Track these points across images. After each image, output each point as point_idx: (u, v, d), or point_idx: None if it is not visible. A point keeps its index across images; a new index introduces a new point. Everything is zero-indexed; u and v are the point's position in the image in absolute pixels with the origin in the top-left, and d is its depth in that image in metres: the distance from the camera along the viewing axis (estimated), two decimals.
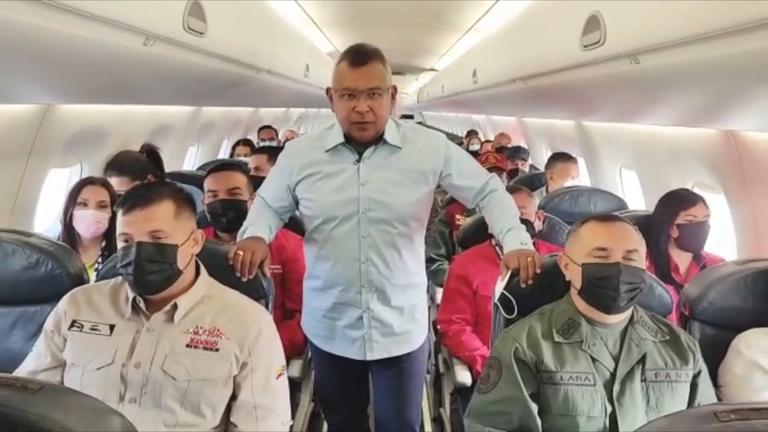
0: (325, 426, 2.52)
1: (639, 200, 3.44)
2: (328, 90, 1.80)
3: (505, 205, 1.89)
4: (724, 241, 2.65)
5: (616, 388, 1.45)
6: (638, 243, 1.51)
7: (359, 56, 1.72)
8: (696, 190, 2.67)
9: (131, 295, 1.47)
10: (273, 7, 3.59)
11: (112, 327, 1.45)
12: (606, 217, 1.58)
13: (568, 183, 3.49)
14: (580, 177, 4.42)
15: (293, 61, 4.12)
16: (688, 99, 1.81)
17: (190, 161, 4.85)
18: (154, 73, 2.10)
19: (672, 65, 1.49)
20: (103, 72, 1.79)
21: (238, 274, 1.67)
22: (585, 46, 1.89)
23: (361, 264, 1.81)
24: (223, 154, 5.46)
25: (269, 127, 5.63)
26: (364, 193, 1.78)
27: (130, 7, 1.46)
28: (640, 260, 1.51)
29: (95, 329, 1.45)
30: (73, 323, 1.46)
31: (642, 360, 1.47)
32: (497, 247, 2.39)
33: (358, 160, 1.80)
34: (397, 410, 2.00)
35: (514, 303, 1.68)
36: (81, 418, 0.89)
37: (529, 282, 1.67)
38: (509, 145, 5.38)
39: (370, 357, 1.89)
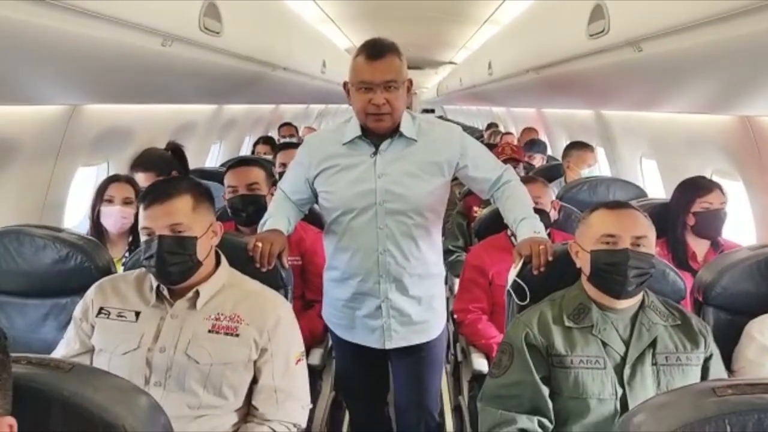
0: (347, 415, 2.58)
1: (659, 189, 3.42)
2: (345, 84, 1.84)
3: (519, 195, 1.92)
4: (743, 228, 2.63)
5: (626, 371, 1.47)
6: (647, 229, 1.53)
7: (376, 50, 1.75)
8: (715, 178, 2.65)
9: (155, 284, 1.53)
10: (288, 4, 3.64)
11: (137, 314, 1.52)
12: (615, 205, 1.59)
13: (585, 171, 3.49)
14: (601, 167, 4.42)
15: (309, 57, 4.18)
16: (696, 85, 1.81)
17: (213, 158, 4.95)
18: (173, 73, 2.17)
19: (676, 52, 1.49)
20: (125, 72, 1.86)
21: (258, 265, 1.72)
22: (591, 35, 1.90)
23: (379, 255, 1.85)
24: (245, 150, 5.56)
25: (289, 124, 5.71)
26: (381, 185, 1.81)
27: (147, 10, 1.53)
28: (650, 246, 1.52)
29: (122, 316, 1.52)
30: (100, 310, 1.53)
31: (653, 344, 1.49)
32: (512, 237, 2.41)
33: (375, 153, 1.83)
34: (416, 398, 2.04)
35: (527, 290, 1.71)
36: (109, 395, 0.96)
37: (542, 269, 1.69)
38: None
39: (389, 346, 1.92)
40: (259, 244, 1.73)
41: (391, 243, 1.84)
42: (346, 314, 1.96)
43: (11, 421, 0.82)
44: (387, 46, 1.77)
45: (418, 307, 1.92)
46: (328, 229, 1.95)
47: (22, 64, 1.42)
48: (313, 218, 2.30)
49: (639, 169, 3.87)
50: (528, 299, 1.71)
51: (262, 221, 1.91)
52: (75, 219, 2.93)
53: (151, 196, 1.51)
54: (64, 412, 0.92)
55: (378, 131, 1.82)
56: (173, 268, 1.48)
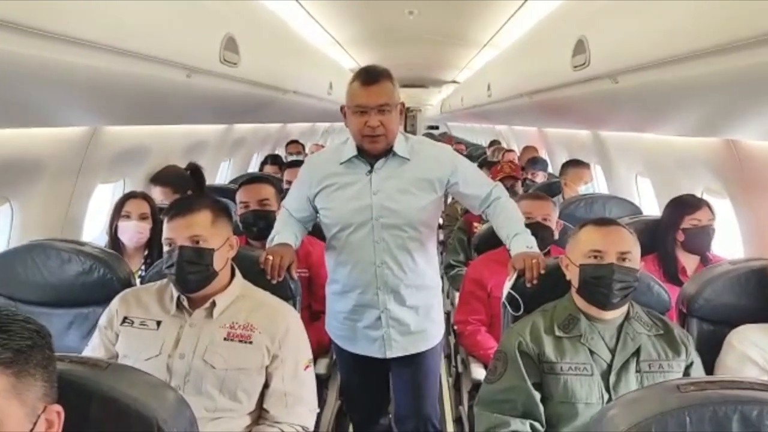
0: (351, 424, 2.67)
1: (654, 206, 3.51)
2: (342, 108, 1.97)
3: (510, 211, 2.03)
4: (733, 244, 2.72)
5: (612, 378, 1.57)
6: (632, 245, 1.64)
7: (370, 76, 1.87)
8: (705, 196, 2.75)
9: (176, 294, 1.65)
10: (298, 31, 3.81)
11: (159, 322, 1.63)
12: (602, 222, 1.71)
13: (582, 188, 3.60)
14: (599, 185, 4.54)
15: (317, 80, 4.36)
16: (673, 113, 1.94)
17: (223, 175, 5.10)
18: (193, 100, 2.33)
19: (650, 84, 1.62)
20: (152, 100, 2.01)
21: (269, 277, 1.83)
22: (575, 67, 2.05)
23: (376, 267, 1.95)
24: (254, 167, 5.69)
25: (296, 141, 5.87)
26: (377, 201, 1.93)
27: (174, 46, 1.68)
28: (634, 261, 1.63)
29: (144, 325, 1.63)
30: (124, 319, 1.65)
31: (637, 352, 1.59)
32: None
33: (370, 171, 1.94)
34: (415, 405, 2.12)
35: (521, 301, 1.82)
36: (142, 390, 1.08)
37: (534, 282, 1.80)
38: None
39: (389, 355, 2.02)
40: (270, 258, 1.84)
41: (388, 256, 1.95)
42: (348, 326, 2.06)
43: (58, 408, 0.94)
44: (380, 72, 1.89)
45: (417, 317, 2.02)
46: (328, 245, 2.06)
47: (64, 94, 1.57)
48: (320, 232, 2.42)
49: (635, 187, 3.98)
50: (522, 310, 1.82)
51: (270, 237, 2.02)
52: (92, 234, 3.05)
53: (174, 210, 1.64)
54: (103, 404, 1.04)
55: (373, 152, 1.93)
56: (191, 276, 1.59)
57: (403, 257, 1.97)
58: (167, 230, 1.63)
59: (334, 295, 2.09)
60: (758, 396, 0.98)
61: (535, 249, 1.92)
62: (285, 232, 2.00)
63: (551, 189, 3.90)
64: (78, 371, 1.07)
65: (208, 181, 4.16)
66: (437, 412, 2.22)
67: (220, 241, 1.64)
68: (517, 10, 3.73)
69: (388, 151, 1.94)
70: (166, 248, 1.63)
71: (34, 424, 0.89)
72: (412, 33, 4.91)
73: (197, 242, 1.61)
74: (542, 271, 1.81)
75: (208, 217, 1.63)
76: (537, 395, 1.58)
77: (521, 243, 1.92)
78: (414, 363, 2.07)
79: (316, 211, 2.05)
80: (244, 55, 2.23)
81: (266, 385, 1.64)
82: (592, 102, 2.36)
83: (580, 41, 1.98)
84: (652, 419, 0.97)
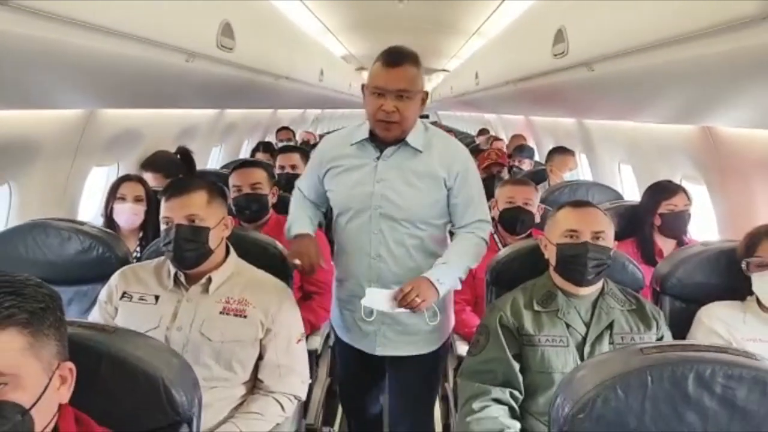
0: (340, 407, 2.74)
1: (636, 192, 3.62)
2: (363, 86, 1.86)
3: (469, 243, 1.88)
4: (709, 228, 2.84)
5: (586, 349, 1.66)
6: (606, 225, 1.73)
7: (393, 57, 1.76)
8: (683, 182, 2.86)
9: (173, 271, 1.72)
10: (292, 18, 3.87)
11: (157, 297, 1.70)
12: (578, 203, 1.80)
13: (567, 174, 3.70)
14: (584, 172, 4.65)
15: (309, 67, 4.42)
16: (647, 100, 2.03)
17: (214, 160, 5.14)
18: (190, 83, 2.39)
19: (625, 72, 1.71)
20: (151, 83, 2.07)
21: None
22: (555, 56, 2.13)
23: (371, 259, 1.87)
24: (244, 153, 5.74)
25: (287, 128, 5.92)
26: (378, 190, 1.83)
27: (174, 30, 1.74)
28: (608, 240, 1.72)
29: (143, 299, 1.70)
30: (123, 294, 1.71)
31: (610, 326, 1.68)
32: (496, 236, 2.63)
33: (378, 158, 1.85)
34: (407, 409, 2.04)
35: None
36: (148, 353, 1.16)
37: (399, 309, 1.72)
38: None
39: (380, 352, 1.93)
40: (297, 261, 1.81)
41: (384, 249, 1.86)
42: (344, 316, 2.01)
43: (71, 365, 1.02)
44: (405, 55, 1.78)
45: (414, 318, 1.87)
46: (333, 229, 2.01)
47: (64, 77, 1.63)
48: None
49: (618, 174, 4.09)
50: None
51: (287, 225, 1.97)
52: (87, 215, 3.10)
53: (171, 190, 1.71)
54: (112, 364, 1.11)
55: (385, 139, 1.83)
56: (188, 254, 1.66)
57: (400, 253, 1.86)
58: (165, 209, 1.69)
59: (336, 281, 2.04)
60: (711, 356, 1.08)
61: (441, 287, 1.76)
62: (301, 220, 1.95)
63: (537, 176, 3.99)
64: (88, 334, 1.15)
65: (199, 166, 4.22)
66: (432, 422, 2.12)
67: (215, 220, 1.71)
68: None
69: (401, 140, 1.84)
70: (163, 227, 1.70)
71: (50, 378, 0.97)
72: (403, 21, 4.96)
73: (193, 221, 1.67)
74: (415, 311, 1.72)
75: (204, 198, 1.70)
76: (516, 366, 1.67)
77: (436, 271, 1.78)
78: (408, 365, 1.96)
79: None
80: (239, 40, 2.29)
81: (260, 357, 1.72)
82: (573, 90, 2.45)
83: (559, 30, 2.06)
84: (617, 378, 1.07)
